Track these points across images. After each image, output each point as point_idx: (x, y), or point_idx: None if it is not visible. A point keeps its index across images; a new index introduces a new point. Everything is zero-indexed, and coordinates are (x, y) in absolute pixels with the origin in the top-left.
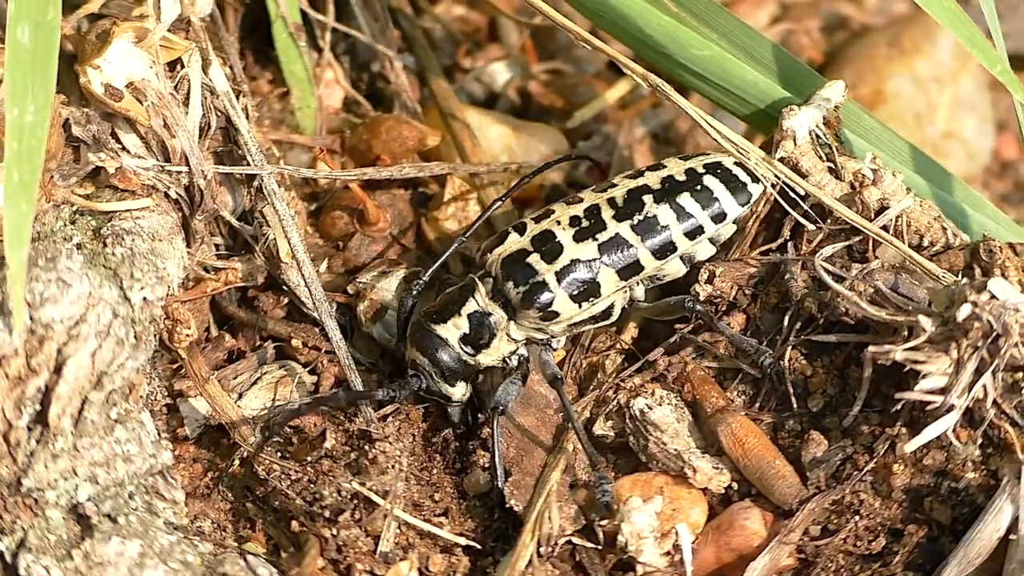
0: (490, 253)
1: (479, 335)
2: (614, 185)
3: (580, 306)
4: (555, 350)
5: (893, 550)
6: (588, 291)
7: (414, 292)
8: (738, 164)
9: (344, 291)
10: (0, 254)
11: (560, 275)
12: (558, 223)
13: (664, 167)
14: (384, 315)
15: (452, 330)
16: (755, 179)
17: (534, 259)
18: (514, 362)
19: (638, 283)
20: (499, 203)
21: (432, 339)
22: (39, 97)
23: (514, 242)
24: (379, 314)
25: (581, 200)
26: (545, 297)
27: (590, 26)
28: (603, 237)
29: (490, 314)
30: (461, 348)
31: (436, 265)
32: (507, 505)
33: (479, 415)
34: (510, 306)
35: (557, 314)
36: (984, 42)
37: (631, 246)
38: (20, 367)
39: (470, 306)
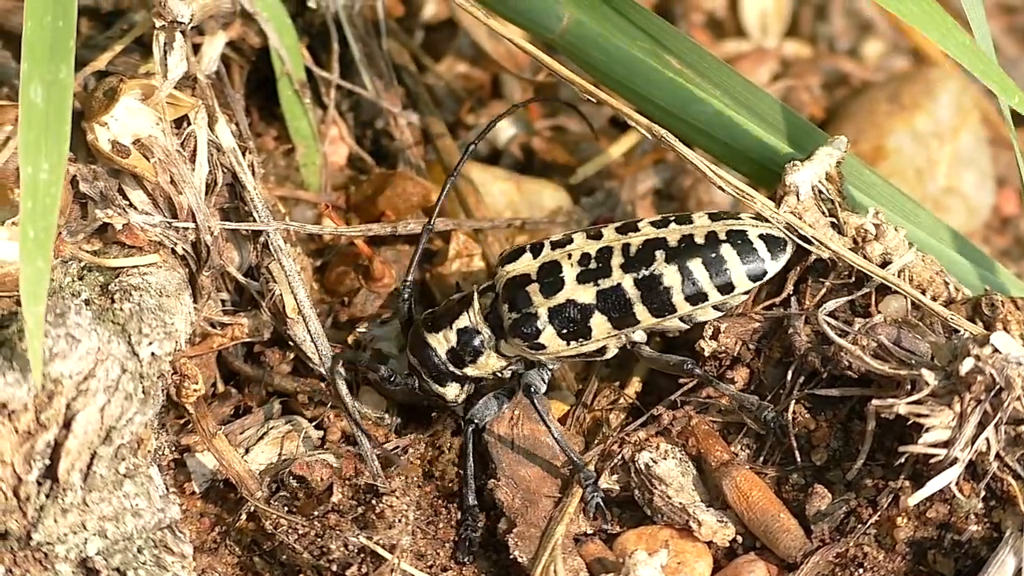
0: (502, 268)
1: (464, 352)
2: (636, 229)
3: (568, 343)
4: (552, 370)
5: None
6: (578, 332)
7: (405, 295)
8: (762, 237)
9: (345, 342)
10: (9, 309)
11: (553, 312)
12: (569, 257)
13: (691, 222)
14: (387, 364)
15: (442, 342)
16: (775, 256)
17: (533, 289)
18: (507, 375)
19: (634, 331)
20: (452, 178)
21: (423, 345)
22: (52, 155)
23: (524, 264)
24: (381, 363)
25: (600, 237)
26: (533, 330)
27: (593, 82)
28: (604, 284)
29: (479, 332)
30: (448, 361)
31: (414, 260)
32: (512, 556)
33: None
34: (501, 328)
35: (544, 346)
36: (1000, 74)
37: (629, 299)
38: (30, 422)
39: (462, 321)
